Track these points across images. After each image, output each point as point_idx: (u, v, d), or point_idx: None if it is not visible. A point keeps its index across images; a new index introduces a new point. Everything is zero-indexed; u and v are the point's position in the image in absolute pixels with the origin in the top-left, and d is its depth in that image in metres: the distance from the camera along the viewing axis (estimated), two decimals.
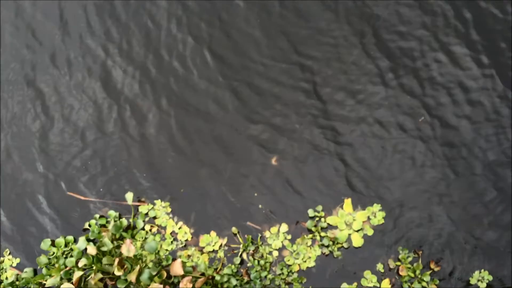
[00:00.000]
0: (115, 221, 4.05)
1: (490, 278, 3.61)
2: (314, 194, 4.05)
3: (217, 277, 3.74)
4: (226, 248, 3.96)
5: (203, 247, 3.96)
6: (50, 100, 4.63)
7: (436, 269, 3.69)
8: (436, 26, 4.40)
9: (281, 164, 4.18)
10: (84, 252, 3.85)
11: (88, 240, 3.94)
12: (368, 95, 4.29)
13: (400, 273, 3.69)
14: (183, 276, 3.66)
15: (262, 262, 3.84)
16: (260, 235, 3.96)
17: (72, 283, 3.56)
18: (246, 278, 3.80)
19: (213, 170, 4.23)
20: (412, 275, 3.67)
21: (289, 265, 3.83)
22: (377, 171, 4.06)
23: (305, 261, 3.83)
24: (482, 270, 3.65)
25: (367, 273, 3.74)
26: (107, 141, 4.43)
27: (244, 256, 3.91)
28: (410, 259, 3.74)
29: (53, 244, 4.04)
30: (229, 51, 4.61)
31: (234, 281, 3.74)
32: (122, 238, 3.98)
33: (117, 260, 3.61)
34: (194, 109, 4.44)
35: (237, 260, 3.87)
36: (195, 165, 4.27)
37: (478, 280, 3.61)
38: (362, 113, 4.24)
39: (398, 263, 3.74)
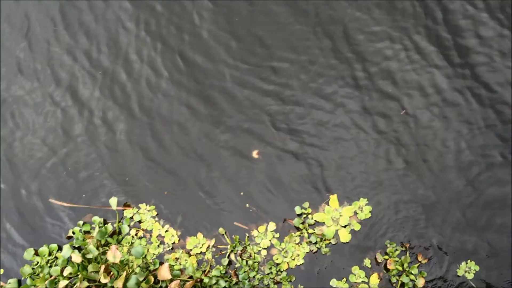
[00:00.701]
0: (99, 227, 3.99)
1: (477, 268, 3.64)
2: (299, 191, 4.03)
3: (206, 280, 3.71)
4: (213, 249, 3.93)
5: (191, 250, 3.92)
6: (20, 109, 4.54)
7: (423, 261, 3.71)
8: (406, 26, 4.45)
9: (263, 162, 4.15)
10: (69, 260, 3.79)
11: (73, 247, 3.88)
12: (341, 96, 4.29)
13: (388, 267, 3.70)
14: (171, 280, 3.63)
15: (250, 262, 3.82)
16: (247, 234, 3.93)
17: None
18: (235, 279, 3.78)
19: (196, 172, 4.18)
20: (400, 268, 3.68)
21: (278, 264, 3.82)
22: (355, 168, 4.07)
23: (293, 259, 3.81)
24: (469, 261, 3.67)
25: (355, 269, 3.74)
26: (86, 148, 4.36)
27: (232, 256, 3.88)
28: (397, 252, 3.75)
29: (36, 253, 3.96)
30: (201, 55, 4.57)
31: (222, 283, 3.71)
32: (107, 244, 3.92)
33: (103, 267, 3.55)
34: (166, 114, 4.40)
35: (225, 261, 3.84)
36: (177, 167, 4.22)
37: (465, 271, 3.64)
38: (337, 115, 4.24)
39: (386, 257, 3.75)
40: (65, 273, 3.59)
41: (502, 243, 3.71)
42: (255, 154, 4.16)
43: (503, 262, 3.65)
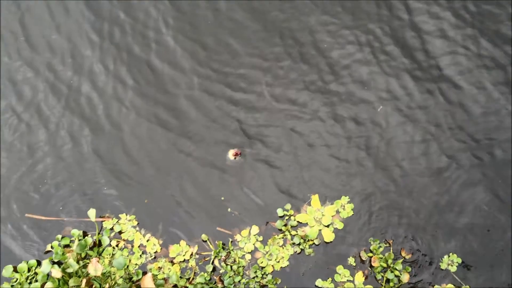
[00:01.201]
0: (79, 240, 3.90)
1: (459, 260, 3.67)
2: (279, 194, 4.02)
3: (190, 287, 3.66)
4: (197, 256, 3.88)
5: (174, 258, 3.86)
6: None
7: (407, 256, 3.73)
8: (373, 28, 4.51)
9: (237, 168, 4.14)
10: (49, 275, 3.70)
11: (53, 262, 3.78)
12: (311, 100, 4.32)
13: (373, 264, 3.71)
14: None
15: (235, 267, 3.78)
16: (231, 239, 3.90)
17: None
18: (220, 285, 3.74)
19: (175, 180, 4.13)
20: (385, 265, 3.69)
21: (263, 267, 3.79)
22: (330, 171, 4.09)
23: (278, 262, 3.79)
24: (451, 254, 3.70)
25: (340, 268, 3.74)
26: (54, 162, 4.27)
27: (216, 262, 3.84)
28: (381, 249, 3.76)
29: (15, 269, 3.85)
30: (181, 58, 4.54)
31: None
32: (88, 257, 3.84)
33: (84, 280, 3.48)
34: (134, 125, 4.36)
35: (210, 268, 3.80)
36: (155, 175, 4.16)
37: (448, 264, 3.67)
38: (307, 119, 4.26)
39: (370, 255, 3.75)
40: None
41: (479, 237, 3.75)
42: (231, 155, 4.13)
43: (482, 255, 3.69)
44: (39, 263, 3.88)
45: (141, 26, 4.69)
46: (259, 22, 4.60)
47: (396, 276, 3.66)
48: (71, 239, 3.95)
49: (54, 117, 4.40)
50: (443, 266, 3.67)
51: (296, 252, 3.82)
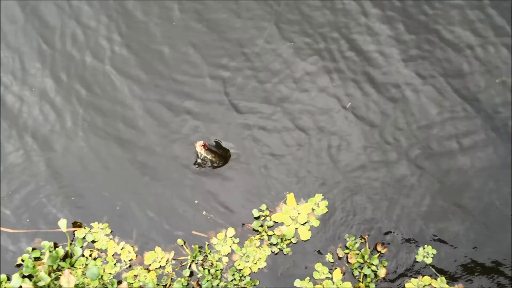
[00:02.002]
0: (50, 251, 3.78)
1: (434, 252, 3.72)
2: (253, 195, 4.00)
3: None
4: (173, 261, 3.82)
5: (149, 265, 3.79)
6: None
7: (383, 251, 3.76)
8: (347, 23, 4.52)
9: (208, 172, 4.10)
10: None
11: (23, 276, 3.65)
12: (284, 99, 4.30)
13: (350, 260, 3.73)
14: None
15: (212, 270, 3.74)
16: (207, 243, 3.85)
17: None
18: None
19: (147, 184, 4.06)
20: (361, 260, 3.71)
21: (240, 270, 3.76)
22: (303, 168, 4.10)
23: (255, 263, 3.77)
24: (426, 246, 3.75)
25: (318, 266, 3.74)
26: (23, 169, 4.14)
27: (194, 267, 3.78)
28: (357, 245, 3.78)
29: None
30: (136, 68, 4.45)
31: None
32: (60, 269, 3.73)
33: None
34: (104, 133, 4.25)
35: (187, 273, 3.74)
36: (126, 180, 4.08)
37: (424, 256, 3.71)
38: (281, 119, 4.24)
39: (347, 251, 3.77)
40: None
41: (455, 228, 3.81)
42: (199, 147, 3.96)
43: (458, 244, 3.76)
44: (8, 278, 3.75)
45: (94, 34, 4.58)
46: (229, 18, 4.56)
47: (373, 271, 3.69)
48: (42, 251, 3.83)
49: (20, 121, 4.26)
50: (419, 258, 3.72)
51: (273, 252, 3.80)
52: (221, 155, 4.10)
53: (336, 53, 4.39)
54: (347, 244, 3.78)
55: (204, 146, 3.94)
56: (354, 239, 3.80)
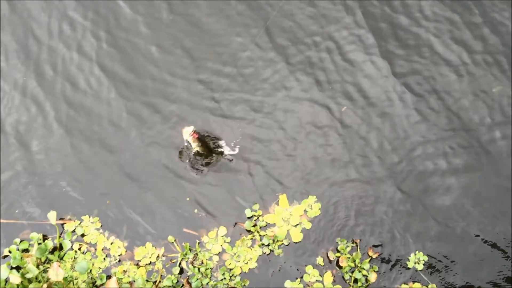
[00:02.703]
0: (38, 243, 3.73)
1: (426, 258, 3.73)
2: (247, 194, 3.98)
3: None
4: (163, 258, 3.78)
5: (139, 260, 3.75)
6: None
7: (374, 256, 3.75)
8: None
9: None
10: (7, 281, 3.52)
11: (10, 267, 3.60)
12: (271, 105, 4.29)
13: (341, 264, 3.72)
14: None
15: (202, 269, 3.71)
16: (198, 241, 3.83)
17: None
18: (187, 287, 3.66)
19: (138, 180, 4.03)
20: (352, 264, 3.70)
21: (231, 269, 3.73)
22: (298, 170, 4.09)
23: (246, 263, 3.74)
24: (417, 252, 3.75)
25: (309, 268, 3.72)
26: (15, 160, 4.10)
27: (184, 264, 3.75)
28: (349, 249, 3.77)
29: None
30: (123, 67, 4.43)
31: None
32: (48, 262, 3.68)
33: (45, 285, 3.33)
34: (89, 133, 4.23)
35: (176, 270, 3.71)
36: (119, 175, 4.04)
37: (415, 262, 3.71)
38: (268, 123, 4.23)
39: (338, 255, 3.76)
40: None
41: (447, 234, 3.82)
42: (187, 134, 3.72)
43: (450, 252, 3.77)
44: None
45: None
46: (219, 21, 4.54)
47: (364, 275, 3.68)
48: (30, 243, 3.77)
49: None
50: (410, 264, 3.72)
51: (265, 253, 3.78)
52: (208, 147, 3.98)
53: (328, 63, 4.38)
54: (339, 248, 3.77)
55: (194, 135, 3.71)
56: (346, 243, 3.79)
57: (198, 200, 3.95)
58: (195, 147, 3.85)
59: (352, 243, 3.81)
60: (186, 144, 3.86)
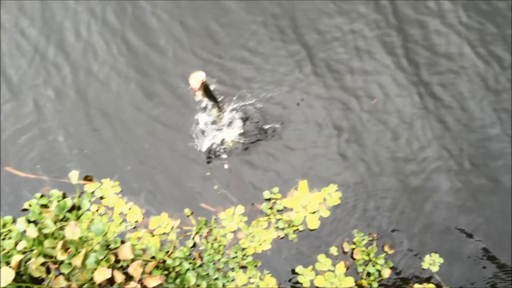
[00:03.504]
0: (58, 201, 3.78)
1: (441, 260, 3.66)
2: (270, 175, 3.93)
3: (169, 261, 3.58)
4: (178, 230, 3.79)
5: (154, 229, 3.77)
6: None
7: (390, 252, 3.70)
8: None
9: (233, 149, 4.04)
10: (23, 234, 3.58)
11: (28, 221, 3.66)
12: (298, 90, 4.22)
13: (355, 256, 3.68)
14: (132, 260, 3.48)
15: (215, 245, 3.71)
16: (214, 217, 3.82)
17: (11, 267, 3.28)
18: (199, 262, 3.66)
19: (163, 149, 4.02)
20: (367, 258, 3.66)
21: (244, 248, 3.73)
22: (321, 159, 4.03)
23: (260, 244, 3.73)
24: (433, 253, 3.68)
25: (322, 257, 3.69)
26: (43, 116, 4.13)
27: (197, 239, 3.76)
28: (364, 242, 3.73)
29: None
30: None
31: (186, 265, 3.59)
32: (66, 220, 3.73)
33: (60, 243, 3.36)
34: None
35: (190, 243, 3.72)
36: (141, 142, 4.04)
37: (430, 264, 3.65)
38: (294, 110, 4.17)
39: (353, 246, 3.72)
40: (19, 247, 3.38)
41: (465, 239, 3.74)
42: (195, 83, 3.29)
43: (465, 256, 3.69)
44: (14, 220, 3.76)
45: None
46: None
47: (377, 270, 3.64)
48: (50, 199, 3.82)
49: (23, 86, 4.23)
50: (425, 265, 3.65)
51: (279, 236, 3.76)
52: (214, 97, 3.67)
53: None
54: (355, 240, 3.73)
55: (202, 83, 3.29)
56: (362, 236, 3.75)
57: (218, 177, 3.94)
58: (200, 95, 3.51)
59: (369, 236, 3.76)
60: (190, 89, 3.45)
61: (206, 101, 3.72)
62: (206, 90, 3.41)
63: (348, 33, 4.32)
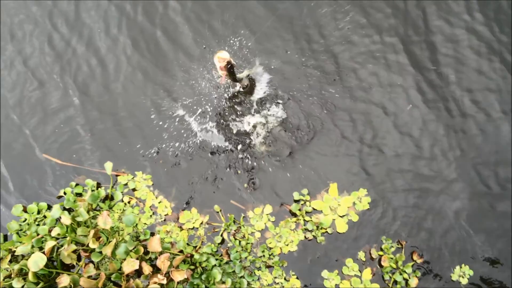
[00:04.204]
0: (92, 190, 3.86)
1: (471, 273, 3.59)
2: (300, 177, 3.93)
3: (196, 256, 3.62)
4: (206, 226, 3.83)
5: (183, 224, 3.82)
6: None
7: (419, 261, 3.64)
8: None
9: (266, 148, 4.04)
10: (57, 220, 3.69)
11: (63, 208, 3.77)
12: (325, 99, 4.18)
13: (382, 263, 3.64)
14: (160, 253, 3.54)
15: (243, 242, 3.73)
16: (243, 215, 3.84)
17: (43, 252, 3.38)
18: (225, 258, 3.69)
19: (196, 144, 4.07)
20: (394, 266, 3.62)
21: (271, 248, 3.73)
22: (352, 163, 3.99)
23: (287, 245, 3.73)
24: (463, 265, 3.61)
25: (349, 261, 3.67)
26: (86, 108, 4.22)
27: (225, 235, 3.79)
28: (393, 249, 3.68)
29: (25, 210, 3.84)
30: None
31: (213, 261, 3.62)
32: (98, 209, 3.81)
33: (92, 231, 3.45)
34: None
35: (218, 239, 3.75)
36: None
37: (460, 276, 3.58)
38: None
39: (381, 253, 3.68)
40: (53, 233, 3.49)
41: (499, 250, 3.65)
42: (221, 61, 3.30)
43: (498, 269, 3.60)
44: (49, 207, 3.87)
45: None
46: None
47: (404, 279, 3.59)
48: (84, 188, 3.92)
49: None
50: (454, 277, 3.59)
51: (307, 238, 3.76)
52: (235, 77, 3.56)
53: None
54: (383, 247, 3.69)
55: (228, 62, 3.28)
56: (391, 243, 3.70)
57: (248, 175, 3.95)
58: (224, 75, 3.51)
59: (397, 244, 3.71)
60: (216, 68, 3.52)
61: (230, 83, 3.70)
62: (230, 70, 3.39)
63: (377, 44, 4.25)
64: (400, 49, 4.23)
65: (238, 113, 4.08)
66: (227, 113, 4.10)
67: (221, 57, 3.26)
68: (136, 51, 4.36)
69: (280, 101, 4.12)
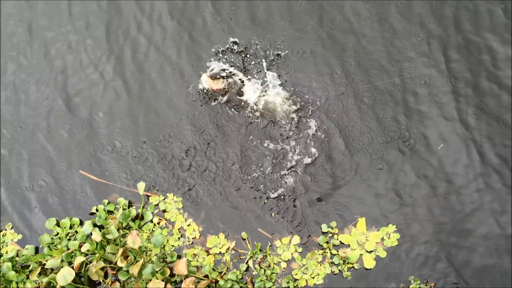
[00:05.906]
0: (123, 209, 3.94)
1: None
2: (328, 209, 3.91)
3: (221, 282, 3.63)
4: (233, 252, 3.84)
5: (210, 248, 3.84)
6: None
7: None
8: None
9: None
10: (88, 236, 3.76)
11: (94, 225, 3.84)
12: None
13: None
14: (186, 276, 3.56)
15: (268, 272, 3.72)
16: (270, 243, 3.84)
17: (72, 267, 3.45)
18: (250, 286, 3.68)
19: (227, 171, 4.11)
20: None
21: (296, 280, 3.71)
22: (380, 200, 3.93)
23: (313, 278, 3.70)
24: None
25: None
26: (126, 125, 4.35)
27: (251, 263, 3.79)
28: None
29: (58, 224, 3.94)
30: None
31: None
32: (128, 228, 3.87)
33: (121, 250, 3.50)
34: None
35: (243, 267, 3.75)
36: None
37: None
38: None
39: None
40: (83, 249, 3.55)
41: None
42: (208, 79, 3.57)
43: None
44: (81, 222, 3.95)
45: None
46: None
47: None
48: (116, 206, 3.99)
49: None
50: None
51: (333, 272, 3.71)
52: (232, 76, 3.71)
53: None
54: (411, 287, 3.61)
55: (212, 79, 3.47)
56: (419, 284, 3.62)
57: (277, 205, 3.96)
58: (219, 86, 3.65)
59: (426, 285, 3.63)
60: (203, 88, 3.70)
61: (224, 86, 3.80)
62: (217, 79, 3.58)
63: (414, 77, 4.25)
64: None
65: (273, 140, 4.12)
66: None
67: (205, 80, 3.53)
68: None
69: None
